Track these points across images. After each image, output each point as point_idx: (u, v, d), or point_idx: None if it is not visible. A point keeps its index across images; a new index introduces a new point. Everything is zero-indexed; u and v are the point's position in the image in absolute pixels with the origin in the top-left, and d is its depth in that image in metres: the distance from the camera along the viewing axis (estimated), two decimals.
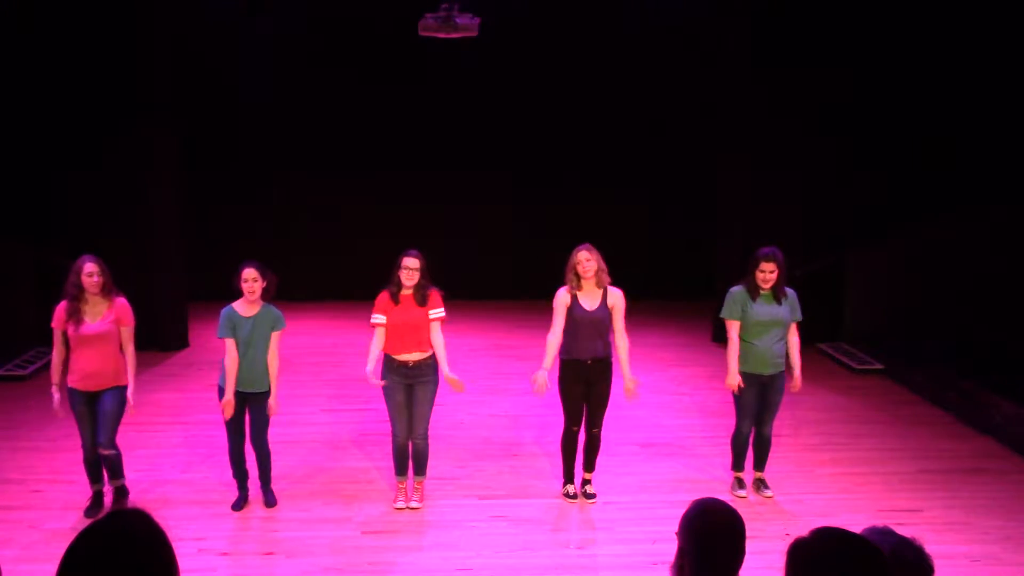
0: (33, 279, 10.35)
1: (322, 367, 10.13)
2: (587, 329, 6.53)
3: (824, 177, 10.75)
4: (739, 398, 6.83)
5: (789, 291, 6.77)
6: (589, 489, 6.90)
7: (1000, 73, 9.00)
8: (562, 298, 6.59)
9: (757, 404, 6.80)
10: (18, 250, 10.42)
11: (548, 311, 6.66)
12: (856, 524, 2.63)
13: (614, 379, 6.71)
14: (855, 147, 10.62)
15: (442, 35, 9.08)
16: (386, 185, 13.14)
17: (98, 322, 6.28)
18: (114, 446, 6.41)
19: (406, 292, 6.50)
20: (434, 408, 6.71)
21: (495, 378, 9.92)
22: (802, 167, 10.73)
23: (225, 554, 6.01)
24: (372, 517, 6.55)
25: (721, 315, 6.87)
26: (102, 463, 6.51)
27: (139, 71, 10.25)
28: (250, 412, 6.57)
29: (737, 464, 7.03)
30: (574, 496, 6.85)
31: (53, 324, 6.30)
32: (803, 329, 6.92)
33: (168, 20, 10.47)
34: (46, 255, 10.22)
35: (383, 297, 6.57)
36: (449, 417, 8.42)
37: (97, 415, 6.37)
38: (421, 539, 6.25)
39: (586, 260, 6.48)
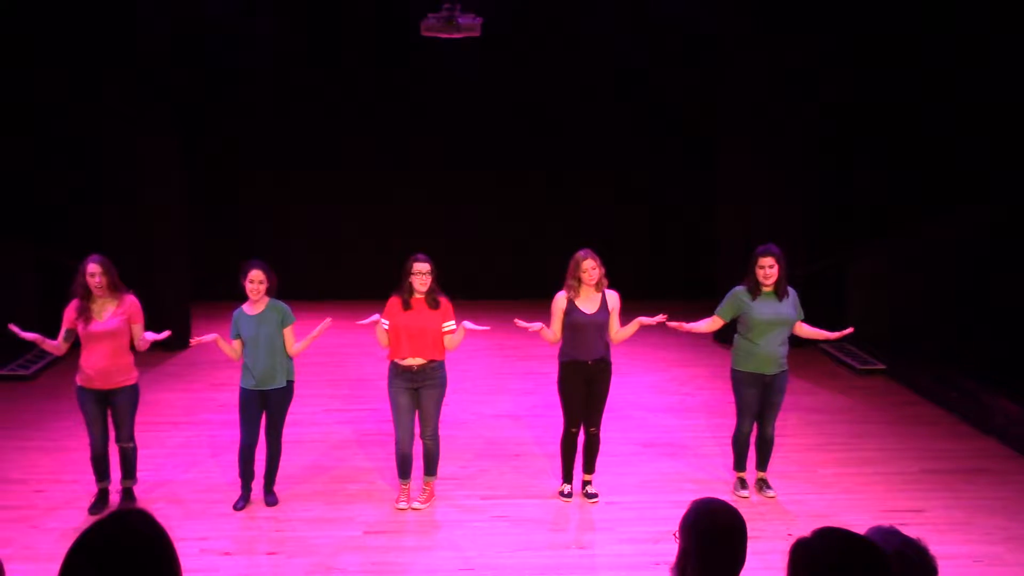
0: (33, 279, 10.35)
1: (322, 367, 10.12)
2: (589, 332, 6.59)
3: (824, 177, 10.74)
4: (740, 397, 6.82)
5: (790, 290, 6.76)
6: (590, 489, 6.89)
7: (1000, 73, 8.98)
8: (559, 303, 6.64)
9: (759, 404, 6.79)
10: (18, 250, 10.41)
11: (549, 311, 6.67)
12: (858, 524, 2.63)
13: (612, 379, 6.78)
14: (855, 147, 10.61)
15: (444, 35, 9.05)
16: (386, 185, 13.16)
17: (105, 319, 6.35)
18: (132, 440, 6.58)
19: (418, 297, 6.53)
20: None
21: (496, 378, 9.92)
22: (802, 166, 10.73)
23: (227, 554, 6.01)
24: (374, 517, 6.55)
25: (716, 311, 6.88)
26: (119, 459, 6.60)
27: (139, 70, 10.25)
28: (267, 409, 6.63)
29: (739, 464, 7.02)
30: (569, 495, 6.86)
31: (64, 324, 6.40)
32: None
33: (168, 19, 10.46)
34: (46, 255, 10.22)
35: (393, 302, 6.58)
36: (452, 417, 8.41)
37: (112, 413, 6.50)
38: (424, 539, 6.26)
39: (592, 268, 6.55)
